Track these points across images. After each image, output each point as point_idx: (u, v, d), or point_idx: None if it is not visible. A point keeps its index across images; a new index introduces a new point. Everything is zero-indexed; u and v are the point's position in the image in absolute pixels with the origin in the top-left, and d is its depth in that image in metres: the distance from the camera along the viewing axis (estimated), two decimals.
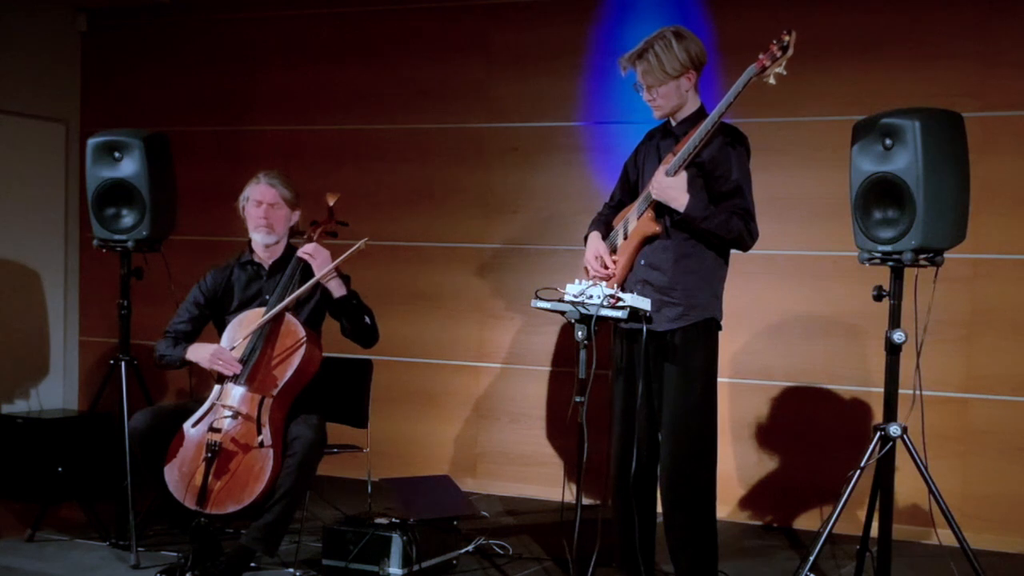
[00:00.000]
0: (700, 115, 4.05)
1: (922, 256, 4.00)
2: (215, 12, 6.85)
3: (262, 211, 4.61)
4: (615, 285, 4.05)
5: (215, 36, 6.87)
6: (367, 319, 4.58)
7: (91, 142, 5.05)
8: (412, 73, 6.41)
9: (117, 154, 4.97)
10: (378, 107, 6.49)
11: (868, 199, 4.06)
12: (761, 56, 3.87)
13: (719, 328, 4.12)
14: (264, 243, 4.65)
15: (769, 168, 5.52)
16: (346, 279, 4.61)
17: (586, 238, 4.27)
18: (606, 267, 4.12)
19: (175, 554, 4.65)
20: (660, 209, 4.04)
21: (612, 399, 4.21)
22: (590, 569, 3.99)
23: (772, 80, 3.88)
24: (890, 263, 4.06)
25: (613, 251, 4.17)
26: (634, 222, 4.11)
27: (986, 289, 5.34)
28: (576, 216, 5.69)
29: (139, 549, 4.69)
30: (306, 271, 4.55)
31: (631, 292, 3.92)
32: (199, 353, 4.49)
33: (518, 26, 6.19)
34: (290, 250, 4.67)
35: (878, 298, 4.16)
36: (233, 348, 4.46)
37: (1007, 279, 5.31)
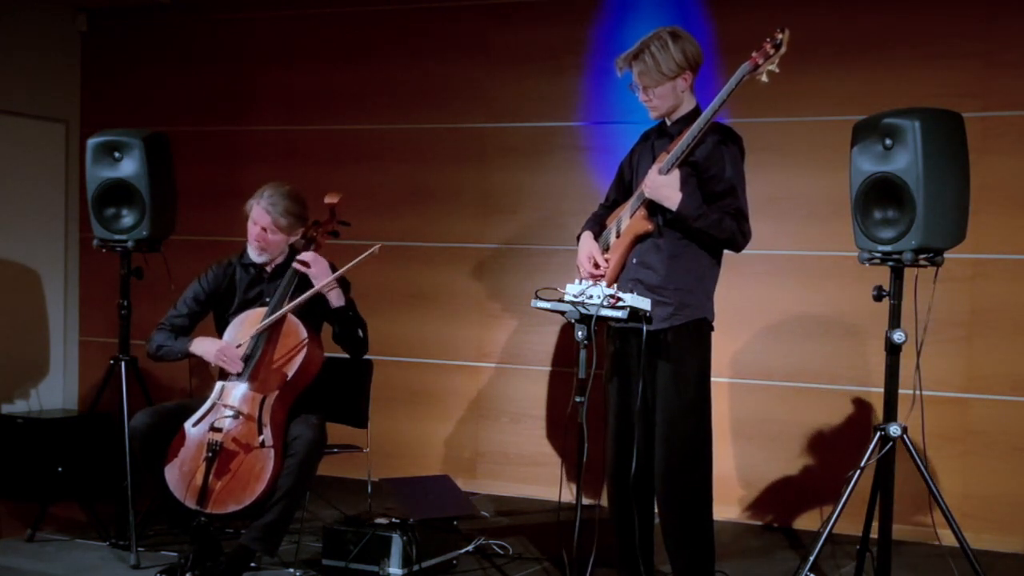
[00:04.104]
0: (695, 115, 4.05)
1: (922, 256, 4.00)
2: (215, 12, 6.85)
3: (256, 231, 4.59)
4: (608, 284, 4.05)
5: (215, 36, 6.87)
6: (360, 332, 4.58)
7: (91, 142, 5.05)
8: (412, 73, 6.41)
9: (117, 154, 4.97)
10: (378, 107, 6.49)
11: (868, 199, 4.06)
12: (754, 54, 3.87)
13: (711, 328, 4.12)
14: (255, 260, 4.63)
15: (769, 168, 5.53)
16: (346, 286, 4.61)
17: (579, 238, 4.28)
18: (598, 267, 4.12)
19: (175, 554, 4.65)
20: (653, 208, 4.04)
21: (605, 400, 4.22)
22: (588, 569, 3.98)
23: (765, 78, 3.89)
24: (890, 263, 4.07)
25: (606, 249, 4.17)
26: (627, 220, 4.12)
27: (986, 289, 5.34)
28: (576, 216, 5.67)
29: (139, 549, 4.69)
30: (304, 277, 4.55)
31: (623, 291, 3.92)
32: (204, 347, 4.49)
33: (518, 26, 6.19)
34: (292, 252, 4.66)
35: (878, 298, 4.16)
36: (239, 346, 4.46)
37: (1007, 279, 5.31)
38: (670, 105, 4.09)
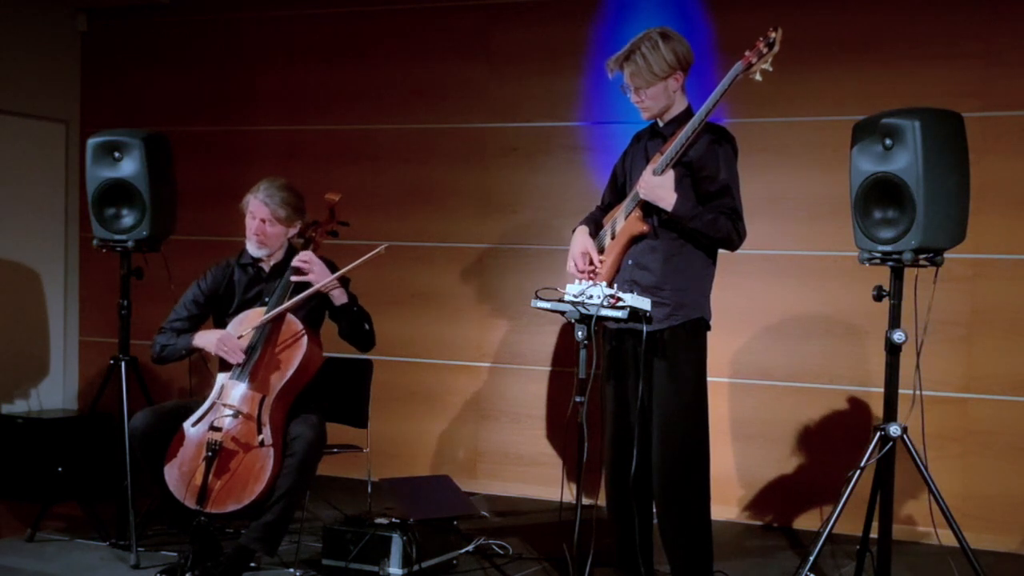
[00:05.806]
0: (687, 115, 4.05)
1: (922, 256, 4.00)
2: (215, 12, 6.85)
3: (255, 225, 4.59)
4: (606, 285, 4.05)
5: (215, 36, 6.87)
6: (366, 325, 4.58)
7: (91, 142, 5.05)
8: (412, 73, 6.41)
9: (117, 154, 4.97)
10: (378, 107, 6.49)
11: (868, 199, 4.06)
12: (747, 53, 3.89)
13: (708, 328, 4.12)
14: (254, 255, 4.63)
15: (769, 168, 5.53)
16: (345, 283, 4.61)
17: (573, 232, 4.27)
18: (592, 264, 4.12)
19: (175, 554, 4.64)
20: (648, 208, 4.04)
21: (601, 401, 4.21)
22: (587, 569, 3.98)
23: (758, 77, 3.90)
24: (890, 263, 4.07)
25: (601, 251, 4.17)
26: (622, 222, 4.12)
27: (986, 289, 5.34)
28: (575, 216, 5.64)
29: (139, 549, 4.69)
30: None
31: (621, 292, 3.92)
32: (206, 338, 4.50)
33: (518, 26, 6.19)
34: (291, 251, 4.67)
35: (878, 298, 4.17)
36: (240, 337, 4.46)
37: (1007, 279, 5.31)
38: (662, 106, 4.09)
